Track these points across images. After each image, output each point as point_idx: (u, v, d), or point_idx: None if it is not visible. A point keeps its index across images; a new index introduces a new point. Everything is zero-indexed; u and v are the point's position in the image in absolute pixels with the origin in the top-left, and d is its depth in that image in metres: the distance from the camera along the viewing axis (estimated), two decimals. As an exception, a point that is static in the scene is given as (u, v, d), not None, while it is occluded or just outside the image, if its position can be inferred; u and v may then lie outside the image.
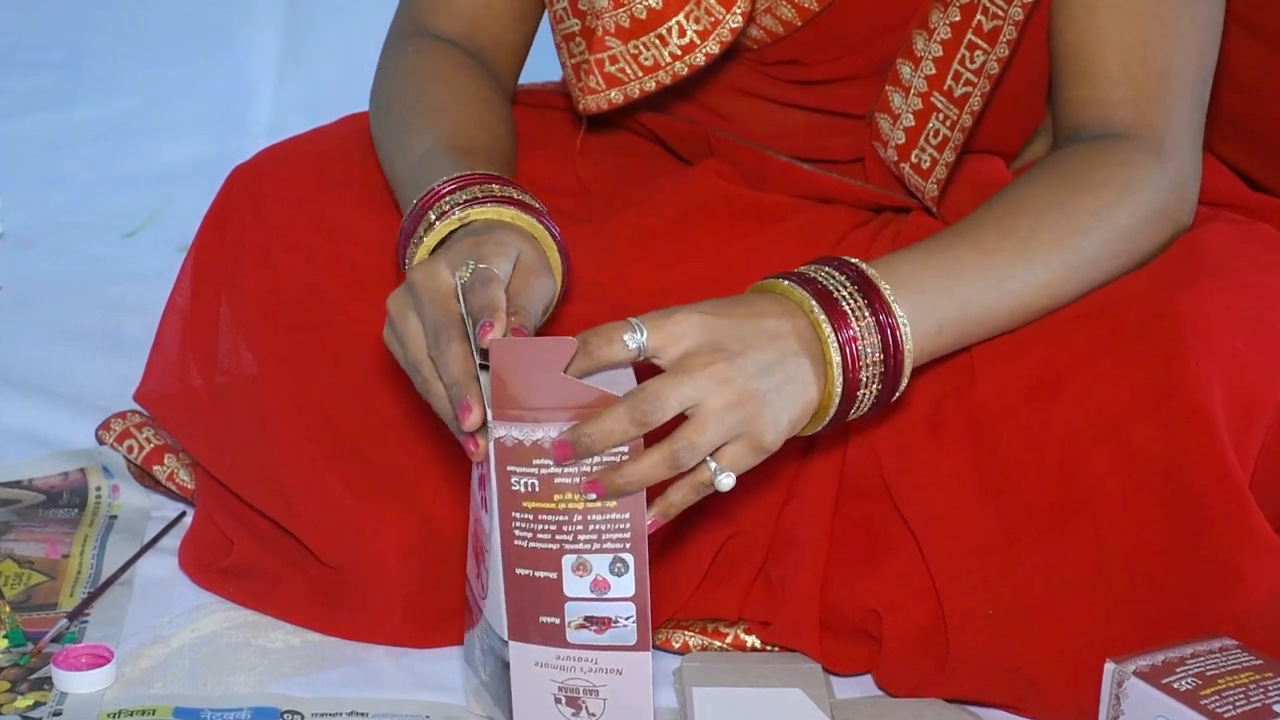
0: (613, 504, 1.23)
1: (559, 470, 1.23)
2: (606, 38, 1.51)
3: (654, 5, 1.49)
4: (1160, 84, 1.44)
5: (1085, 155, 1.43)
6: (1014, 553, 1.38)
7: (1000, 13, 1.44)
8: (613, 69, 1.52)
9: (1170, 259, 1.41)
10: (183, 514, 1.68)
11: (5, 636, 1.49)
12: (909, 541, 1.43)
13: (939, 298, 1.34)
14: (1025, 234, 1.38)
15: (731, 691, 1.42)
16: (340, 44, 2.83)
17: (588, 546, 1.24)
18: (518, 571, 1.25)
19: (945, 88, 1.48)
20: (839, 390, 1.29)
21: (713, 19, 1.49)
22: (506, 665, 1.29)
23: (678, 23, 1.49)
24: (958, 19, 1.46)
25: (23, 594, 1.56)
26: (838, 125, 1.58)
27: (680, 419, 1.25)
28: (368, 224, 1.52)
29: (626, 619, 1.25)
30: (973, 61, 1.47)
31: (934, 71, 1.48)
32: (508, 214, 1.35)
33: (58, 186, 2.55)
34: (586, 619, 1.26)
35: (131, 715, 1.39)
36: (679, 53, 1.51)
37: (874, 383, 1.30)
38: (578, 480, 1.23)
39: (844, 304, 1.30)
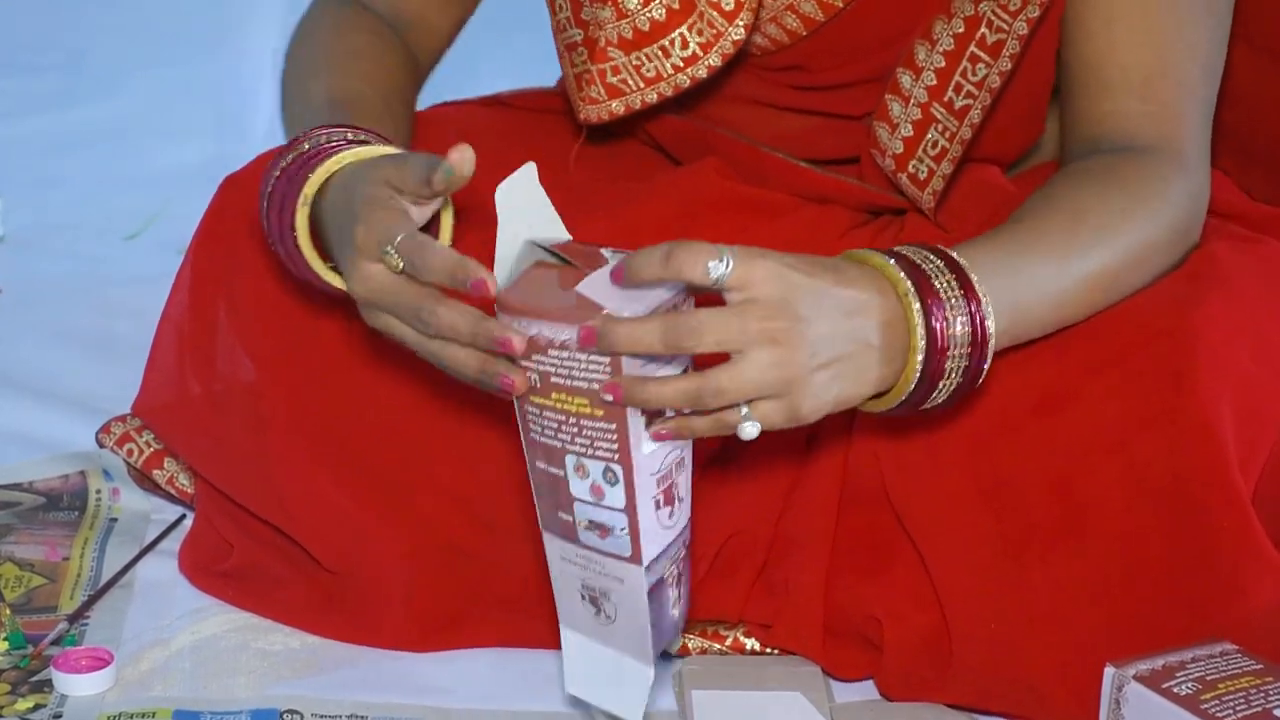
0: (600, 412, 1.22)
1: (552, 369, 1.22)
2: (609, 49, 1.51)
3: (657, 17, 1.49)
4: (1178, 97, 1.44)
5: (1119, 169, 1.42)
6: (1017, 566, 1.37)
7: (1005, 26, 1.45)
8: (614, 80, 1.52)
9: (1179, 276, 1.42)
10: (182, 517, 1.68)
11: (5, 639, 1.49)
12: (913, 550, 1.43)
13: (1006, 295, 1.31)
14: (1089, 243, 1.36)
15: (731, 695, 1.43)
16: (340, 46, 2.83)
17: (583, 450, 1.23)
18: (538, 464, 1.26)
19: (945, 99, 1.48)
20: (918, 375, 1.26)
21: (715, 31, 1.49)
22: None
23: (680, 35, 1.49)
24: (961, 30, 1.46)
25: (23, 596, 1.56)
26: (835, 127, 1.58)
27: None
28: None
29: (621, 530, 1.24)
30: (974, 74, 1.47)
31: (935, 82, 1.48)
32: (350, 155, 1.34)
33: (58, 189, 2.55)
34: (590, 522, 1.25)
35: (132, 718, 1.39)
36: (681, 64, 1.51)
37: (957, 373, 1.28)
38: (571, 384, 1.22)
39: (941, 290, 1.27)
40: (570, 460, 1.24)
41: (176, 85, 2.86)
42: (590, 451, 1.23)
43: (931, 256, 1.28)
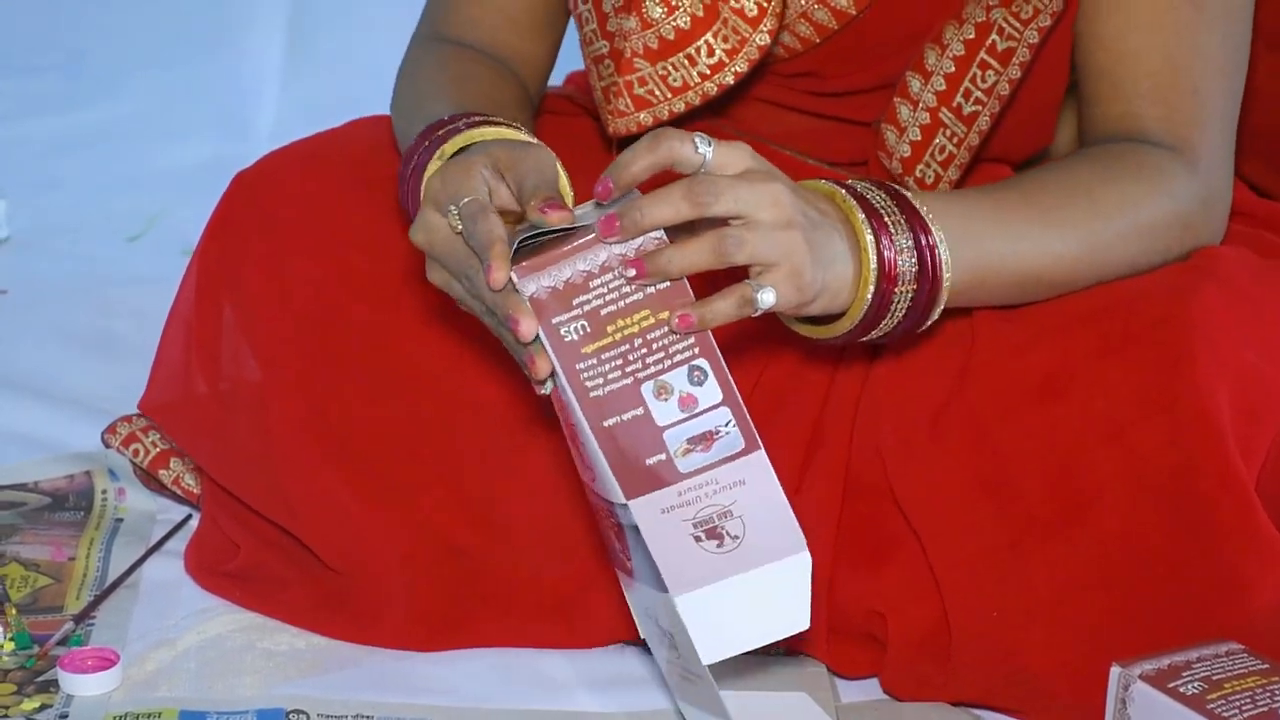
0: (664, 314, 1.24)
1: (600, 303, 1.23)
2: (635, 59, 1.51)
3: (682, 25, 1.49)
4: (1192, 104, 1.45)
5: (1121, 152, 1.45)
6: (1017, 555, 1.38)
7: (1016, 34, 1.45)
8: (641, 91, 1.52)
9: (1181, 267, 1.42)
10: (188, 517, 1.68)
11: (12, 639, 1.49)
12: (913, 542, 1.43)
13: (962, 238, 1.35)
14: (1048, 206, 1.39)
15: (736, 695, 1.42)
16: (343, 47, 2.83)
17: (659, 367, 1.24)
18: (605, 425, 1.24)
19: (954, 105, 1.48)
20: (871, 292, 1.30)
21: (740, 37, 1.49)
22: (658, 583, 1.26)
23: (706, 42, 1.49)
24: (971, 36, 1.47)
25: (29, 597, 1.56)
26: (846, 131, 1.58)
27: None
28: (372, 228, 1.52)
29: (727, 424, 1.24)
30: (984, 81, 1.47)
31: (944, 88, 1.48)
32: (490, 133, 1.36)
33: (60, 190, 2.55)
34: (689, 442, 1.24)
35: (137, 718, 1.39)
36: (708, 72, 1.50)
37: (905, 299, 1.32)
38: (625, 304, 1.23)
39: (886, 216, 1.31)
40: (649, 388, 1.24)
41: (178, 86, 2.85)
42: (668, 362, 1.24)
43: (873, 187, 1.33)
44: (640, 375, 1.24)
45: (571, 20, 1.59)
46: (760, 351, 1.49)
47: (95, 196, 2.53)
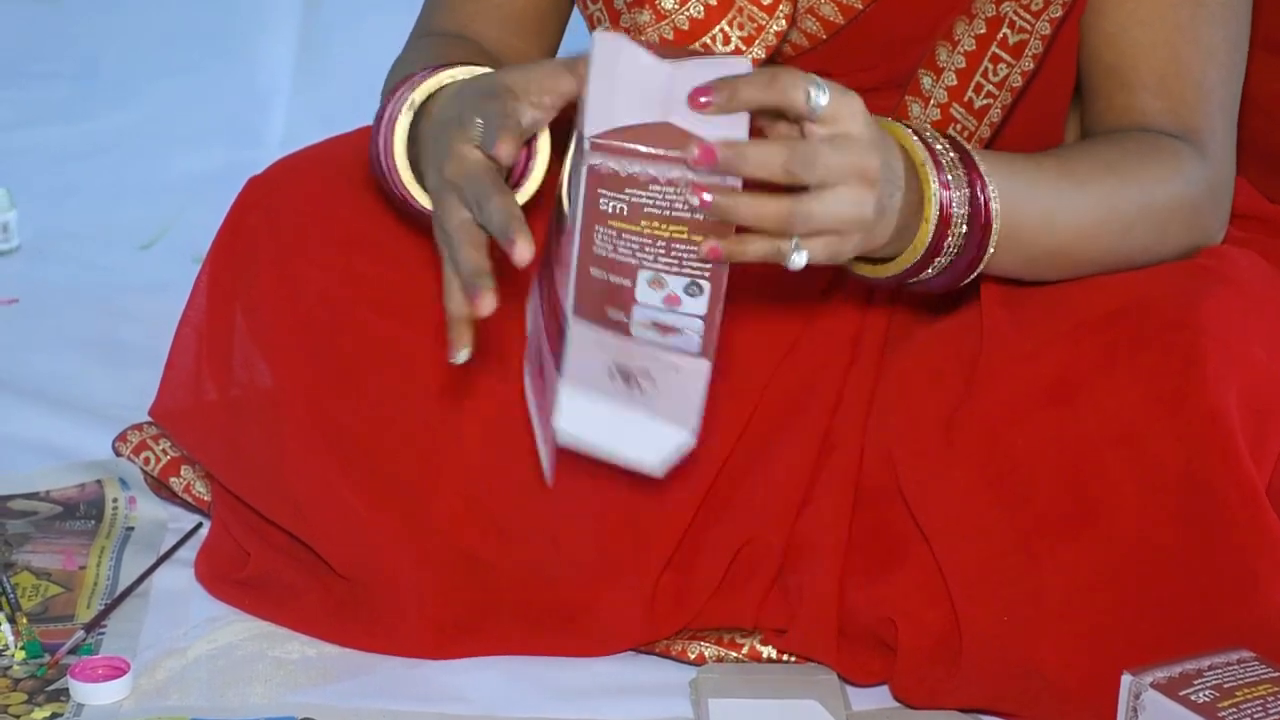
0: (699, 239, 1.23)
1: (648, 202, 1.23)
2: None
3: (696, 15, 1.48)
4: (1197, 96, 1.46)
5: (1139, 137, 1.45)
6: (1029, 557, 1.38)
7: (1027, 26, 1.45)
8: None
9: (1189, 268, 1.43)
10: (199, 525, 1.68)
11: (23, 648, 1.49)
12: (924, 547, 1.43)
13: (1005, 193, 1.36)
14: (1080, 178, 1.40)
15: (747, 703, 1.43)
16: (355, 54, 2.83)
17: (666, 268, 1.24)
18: (592, 271, 1.24)
19: (965, 99, 1.48)
20: (930, 238, 1.32)
21: (756, 25, 1.48)
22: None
23: (721, 30, 1.48)
24: (983, 31, 1.47)
25: (40, 605, 1.56)
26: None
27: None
28: (382, 234, 1.52)
29: (693, 331, 1.24)
30: (995, 74, 1.47)
31: (955, 83, 1.48)
32: (461, 72, 1.35)
33: (72, 198, 2.55)
34: (654, 324, 1.25)
35: (148, 727, 1.40)
36: None
37: (954, 247, 1.33)
38: (670, 214, 1.22)
39: (944, 159, 1.33)
40: (646, 275, 1.24)
41: (190, 93, 2.86)
42: (676, 269, 1.23)
43: (939, 135, 1.35)
44: (646, 264, 1.24)
45: (573, 23, 1.59)
46: (771, 355, 1.49)
47: (106, 204, 2.53)
